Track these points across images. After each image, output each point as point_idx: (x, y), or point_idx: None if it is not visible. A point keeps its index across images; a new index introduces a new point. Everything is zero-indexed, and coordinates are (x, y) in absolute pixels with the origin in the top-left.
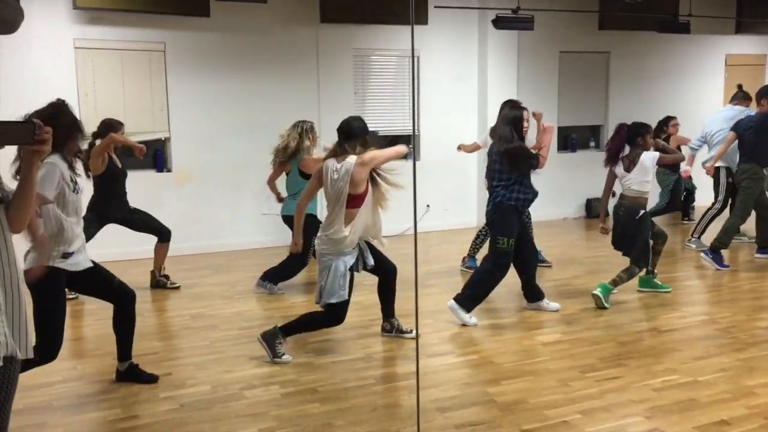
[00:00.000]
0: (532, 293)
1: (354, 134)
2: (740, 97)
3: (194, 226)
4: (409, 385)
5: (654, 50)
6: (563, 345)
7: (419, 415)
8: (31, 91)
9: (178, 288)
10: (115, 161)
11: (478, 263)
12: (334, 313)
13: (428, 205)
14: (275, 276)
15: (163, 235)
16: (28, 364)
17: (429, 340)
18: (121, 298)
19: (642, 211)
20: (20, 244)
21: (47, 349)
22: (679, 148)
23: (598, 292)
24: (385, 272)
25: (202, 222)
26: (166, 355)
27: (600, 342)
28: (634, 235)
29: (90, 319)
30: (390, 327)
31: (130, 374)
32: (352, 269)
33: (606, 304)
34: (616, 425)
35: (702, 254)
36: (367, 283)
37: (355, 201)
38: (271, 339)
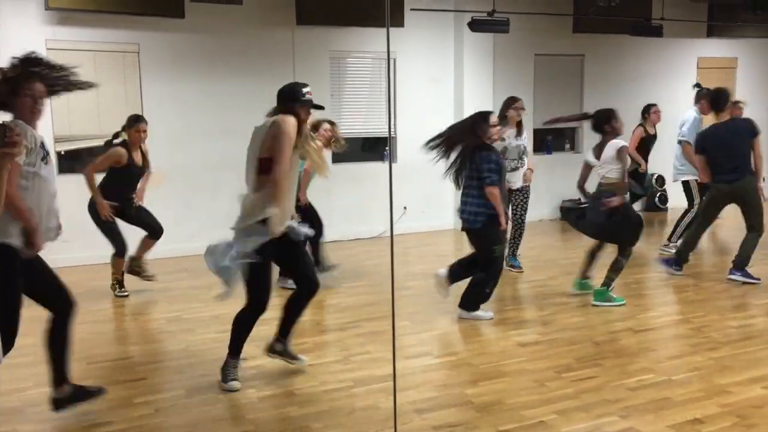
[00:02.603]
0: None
1: None
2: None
3: (170, 229)
4: (387, 387)
5: (627, 53)
6: (540, 346)
7: (396, 417)
8: None
9: (152, 279)
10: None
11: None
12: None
13: (405, 207)
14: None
15: (154, 231)
16: None
17: (406, 342)
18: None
19: (626, 195)
20: None
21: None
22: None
23: (596, 302)
24: None
25: (178, 224)
26: (141, 360)
27: (576, 342)
28: (619, 221)
29: None
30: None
31: (76, 398)
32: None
33: (616, 301)
34: (592, 425)
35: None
36: (345, 285)
37: None
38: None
